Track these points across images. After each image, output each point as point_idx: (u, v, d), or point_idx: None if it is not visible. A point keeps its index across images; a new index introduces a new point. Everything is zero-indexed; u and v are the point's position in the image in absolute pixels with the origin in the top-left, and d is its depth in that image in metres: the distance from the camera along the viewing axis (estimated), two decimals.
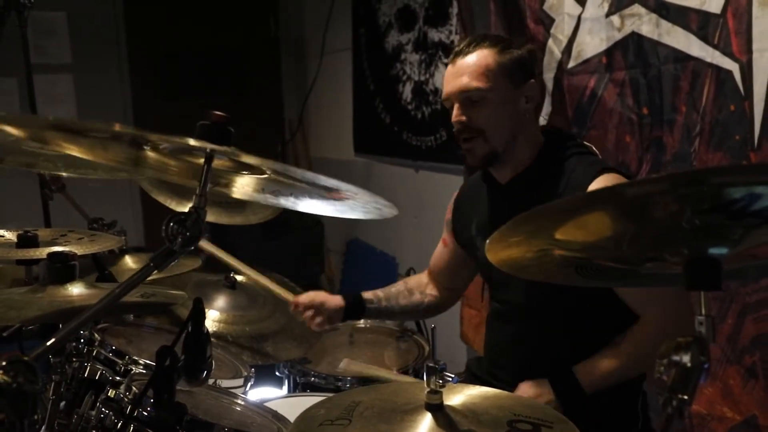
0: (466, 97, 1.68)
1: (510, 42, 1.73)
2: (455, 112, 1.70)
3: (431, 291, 2.12)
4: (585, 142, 1.87)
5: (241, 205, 2.31)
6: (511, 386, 1.70)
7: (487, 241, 0.83)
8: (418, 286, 2.12)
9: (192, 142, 0.96)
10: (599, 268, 0.86)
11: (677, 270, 0.83)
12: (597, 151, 1.86)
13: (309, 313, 2.00)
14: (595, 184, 1.61)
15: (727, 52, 1.91)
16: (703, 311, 0.74)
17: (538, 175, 1.71)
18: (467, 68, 1.67)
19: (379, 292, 2.08)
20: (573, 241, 0.77)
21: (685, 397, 0.67)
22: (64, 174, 1.61)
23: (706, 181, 0.69)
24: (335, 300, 2.01)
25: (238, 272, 2.16)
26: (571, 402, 1.63)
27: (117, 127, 0.94)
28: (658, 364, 0.70)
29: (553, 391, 1.64)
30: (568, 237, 0.75)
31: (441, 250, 2.09)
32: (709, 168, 0.83)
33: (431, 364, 0.99)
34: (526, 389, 1.68)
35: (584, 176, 1.63)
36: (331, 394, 1.84)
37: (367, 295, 2.06)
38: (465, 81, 1.67)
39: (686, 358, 0.69)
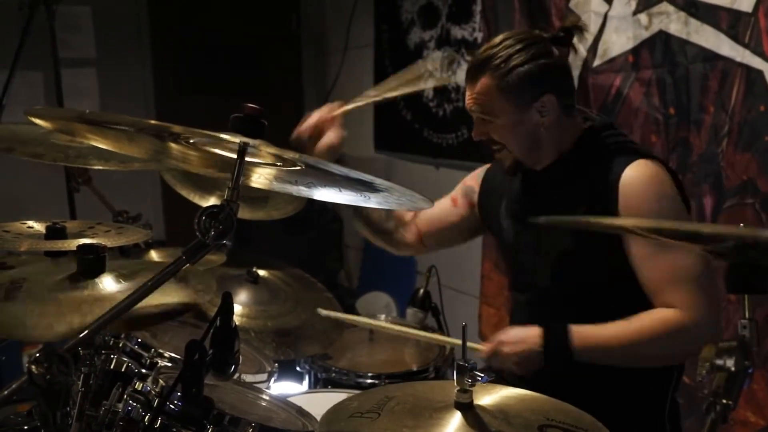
0: (477, 118, 1.70)
1: (520, 52, 1.62)
2: (474, 126, 1.73)
3: (405, 231, 2.03)
4: (622, 131, 1.85)
5: (263, 200, 2.31)
6: (532, 382, 1.67)
7: None
8: (398, 218, 2.02)
9: (226, 136, 0.95)
10: None
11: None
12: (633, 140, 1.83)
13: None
14: (629, 171, 1.61)
15: (758, 52, 1.89)
16: (747, 314, 0.73)
17: (573, 164, 1.70)
18: (473, 95, 1.68)
19: None
20: None
21: (730, 402, 0.66)
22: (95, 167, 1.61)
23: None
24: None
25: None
26: (553, 357, 1.58)
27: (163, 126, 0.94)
28: (700, 367, 0.69)
29: (542, 339, 1.59)
30: None
31: (446, 207, 2.00)
32: None
33: (461, 363, 0.99)
34: (511, 333, 1.65)
35: (618, 165, 1.62)
36: (351, 391, 1.85)
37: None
38: (472, 106, 1.69)
39: (730, 363, 0.68)
